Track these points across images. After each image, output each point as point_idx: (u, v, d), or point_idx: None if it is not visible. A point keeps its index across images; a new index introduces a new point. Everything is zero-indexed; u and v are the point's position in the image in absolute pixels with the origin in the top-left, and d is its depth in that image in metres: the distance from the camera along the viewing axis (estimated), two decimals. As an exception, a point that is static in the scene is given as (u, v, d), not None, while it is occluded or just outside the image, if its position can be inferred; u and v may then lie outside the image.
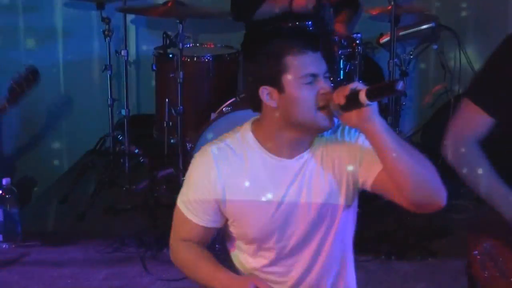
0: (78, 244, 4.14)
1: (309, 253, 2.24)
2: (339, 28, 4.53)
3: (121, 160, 4.97)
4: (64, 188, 4.80)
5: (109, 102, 4.94)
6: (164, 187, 4.53)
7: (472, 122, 2.42)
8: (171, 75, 4.36)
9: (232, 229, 2.27)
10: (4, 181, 4.13)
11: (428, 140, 5.30)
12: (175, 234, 2.31)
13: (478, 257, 2.48)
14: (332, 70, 4.28)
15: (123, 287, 3.73)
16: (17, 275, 3.82)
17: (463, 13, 5.29)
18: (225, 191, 2.18)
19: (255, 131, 2.21)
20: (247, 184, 2.18)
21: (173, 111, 4.37)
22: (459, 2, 5.32)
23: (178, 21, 4.34)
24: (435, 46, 5.13)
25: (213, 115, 4.09)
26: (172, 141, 4.49)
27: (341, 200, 2.22)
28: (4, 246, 4.09)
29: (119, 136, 4.98)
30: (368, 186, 2.19)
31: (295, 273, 2.26)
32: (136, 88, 5.44)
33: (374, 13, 4.87)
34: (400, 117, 5.06)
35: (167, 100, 4.43)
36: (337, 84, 4.28)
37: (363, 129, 2.06)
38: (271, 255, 2.25)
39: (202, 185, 2.20)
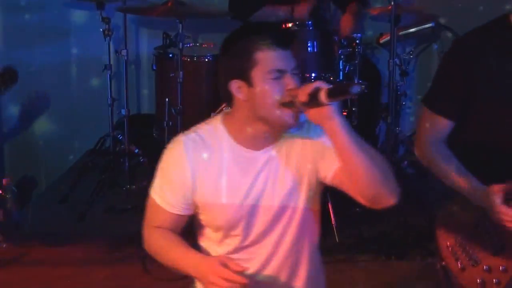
0: (78, 244, 4.14)
1: (271, 243, 2.33)
2: (346, 21, 4.50)
3: (121, 160, 4.97)
4: (64, 188, 4.80)
5: (109, 102, 4.94)
6: (164, 187, 4.52)
7: (433, 126, 2.63)
8: (171, 75, 4.36)
9: (201, 217, 2.35)
10: (4, 181, 4.13)
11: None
12: (149, 222, 2.41)
13: (450, 249, 2.59)
14: (330, 69, 4.29)
15: (123, 287, 3.73)
16: (17, 275, 3.83)
17: (463, 13, 5.28)
18: (195, 179, 2.27)
19: (226, 123, 2.30)
20: (215, 173, 2.27)
21: (173, 111, 4.37)
22: (459, 2, 5.32)
23: (178, 21, 4.34)
24: (435, 46, 5.13)
25: (213, 115, 4.09)
26: (172, 141, 4.48)
27: (303, 194, 2.31)
28: (4, 246, 4.09)
29: (119, 136, 4.98)
30: (328, 180, 2.28)
31: (256, 262, 2.34)
32: (136, 88, 5.44)
33: (374, 13, 4.88)
34: (400, 117, 5.06)
35: (167, 100, 4.43)
36: (335, 84, 4.30)
37: (324, 127, 2.15)
38: (235, 242, 2.33)
39: (173, 173, 2.29)
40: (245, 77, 2.21)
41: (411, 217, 4.34)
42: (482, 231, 2.55)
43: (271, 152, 2.28)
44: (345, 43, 4.37)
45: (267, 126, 2.24)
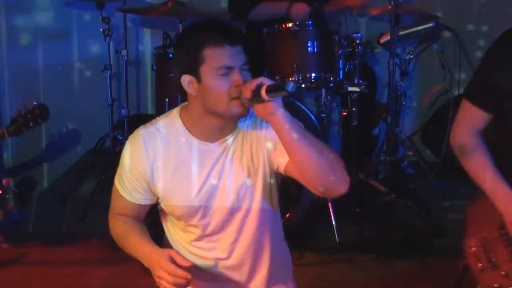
0: (78, 244, 4.14)
1: (232, 232, 2.39)
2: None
3: (121, 160, 4.96)
4: (64, 188, 4.80)
5: (109, 102, 4.94)
6: (164, 187, 4.53)
7: (471, 118, 2.60)
8: (171, 75, 4.34)
9: (163, 206, 2.43)
10: (4, 181, 4.13)
11: (427, 139, 5.31)
12: (112, 209, 2.49)
13: (473, 249, 2.56)
14: (330, 69, 4.29)
15: (123, 287, 3.73)
16: (17, 275, 3.83)
17: (464, 13, 5.29)
18: (153, 171, 2.35)
19: (182, 116, 2.37)
20: (172, 165, 2.34)
21: (173, 111, 4.37)
22: (459, 2, 5.32)
23: (178, 21, 4.34)
24: (435, 46, 5.13)
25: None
26: (172, 141, 4.48)
27: (259, 183, 2.37)
28: (4, 246, 4.09)
29: (119, 136, 4.98)
30: (281, 171, 2.34)
31: (220, 250, 2.42)
32: (136, 88, 5.44)
33: (374, 13, 4.88)
34: (400, 117, 5.06)
35: (167, 100, 4.43)
36: (336, 84, 4.31)
37: (269, 121, 2.23)
38: (197, 231, 2.40)
39: (132, 165, 2.38)
40: (195, 73, 2.27)
41: (411, 217, 4.35)
42: (504, 233, 2.51)
43: (226, 144, 2.35)
44: (345, 43, 4.37)
45: (219, 118, 2.30)
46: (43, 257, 4.02)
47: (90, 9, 5.02)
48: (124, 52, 4.95)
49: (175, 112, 2.40)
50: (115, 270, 3.86)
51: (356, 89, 4.33)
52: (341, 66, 4.34)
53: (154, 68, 4.63)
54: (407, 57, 4.97)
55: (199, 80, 2.27)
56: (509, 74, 2.51)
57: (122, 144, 4.95)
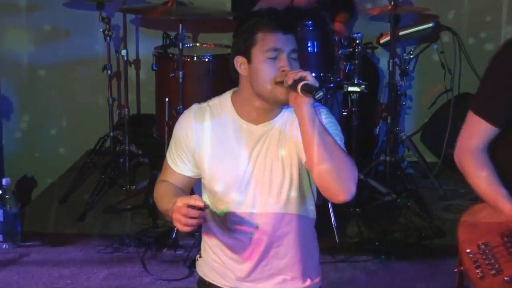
0: (78, 244, 4.14)
1: (262, 212, 2.47)
2: (339, 27, 4.55)
3: (121, 160, 4.97)
4: (64, 188, 4.80)
5: (109, 102, 4.94)
6: (164, 187, 4.52)
7: (476, 131, 2.56)
8: (171, 75, 4.36)
9: (204, 180, 2.53)
10: (4, 181, 4.13)
11: (427, 139, 5.31)
12: (160, 178, 2.60)
13: (471, 255, 2.53)
14: (330, 69, 4.29)
15: (123, 287, 3.73)
16: (17, 275, 3.83)
17: (463, 13, 5.29)
18: (199, 143, 2.48)
19: (233, 97, 2.52)
20: (217, 140, 2.48)
21: (173, 111, 4.37)
22: (459, 2, 5.32)
23: (178, 21, 4.34)
24: (435, 46, 5.13)
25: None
26: (172, 141, 4.48)
27: (294, 170, 2.46)
28: (4, 246, 4.09)
29: (119, 136, 4.98)
30: (304, 163, 2.41)
31: (250, 225, 2.48)
32: (136, 88, 5.44)
33: (374, 13, 4.88)
34: (400, 116, 5.06)
35: (167, 100, 4.42)
36: (336, 84, 4.31)
37: (295, 111, 2.34)
38: (231, 207, 2.48)
39: (180, 136, 2.51)
40: (246, 54, 2.42)
41: (411, 217, 4.35)
42: (508, 240, 2.49)
43: (267, 127, 2.46)
44: (345, 43, 4.37)
45: (264, 102, 2.42)
46: (43, 257, 4.02)
47: (90, 9, 5.02)
48: (124, 52, 4.95)
49: (228, 93, 2.54)
50: (115, 270, 3.86)
51: (356, 89, 4.34)
52: (341, 67, 4.34)
53: (154, 68, 4.62)
54: (407, 57, 4.97)
55: (249, 61, 2.41)
56: None
57: (122, 144, 4.96)
